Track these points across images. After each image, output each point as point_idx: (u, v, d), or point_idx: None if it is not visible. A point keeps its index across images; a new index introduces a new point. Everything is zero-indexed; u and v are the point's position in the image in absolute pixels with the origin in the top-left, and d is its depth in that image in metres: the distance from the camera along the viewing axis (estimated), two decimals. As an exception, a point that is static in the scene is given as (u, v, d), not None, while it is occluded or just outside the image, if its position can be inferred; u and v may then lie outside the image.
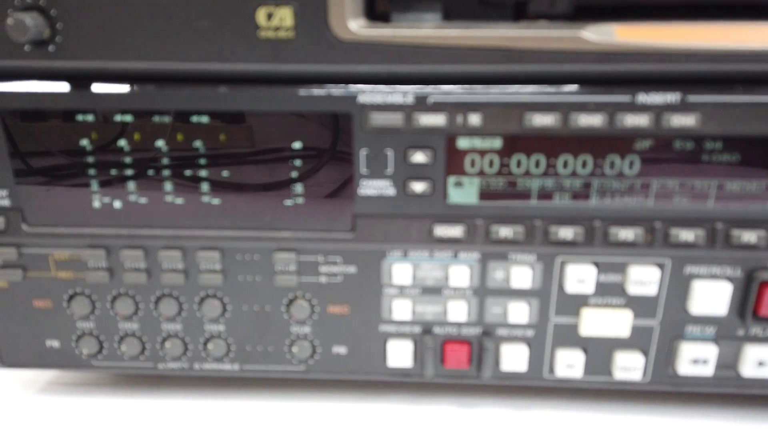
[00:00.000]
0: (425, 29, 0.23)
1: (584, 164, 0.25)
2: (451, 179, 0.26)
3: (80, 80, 0.25)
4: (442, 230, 0.26)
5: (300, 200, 0.26)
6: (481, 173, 0.26)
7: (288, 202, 0.26)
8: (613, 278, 0.26)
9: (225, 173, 0.26)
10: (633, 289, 0.26)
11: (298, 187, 0.26)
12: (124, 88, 0.24)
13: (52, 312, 0.28)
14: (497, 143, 0.25)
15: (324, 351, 0.29)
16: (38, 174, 0.26)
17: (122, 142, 0.26)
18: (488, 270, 0.27)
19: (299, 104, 0.25)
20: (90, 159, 0.26)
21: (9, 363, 0.30)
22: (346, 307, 0.28)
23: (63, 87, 0.24)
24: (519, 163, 0.25)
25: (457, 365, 0.28)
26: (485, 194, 0.26)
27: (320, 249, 0.27)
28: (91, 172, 0.26)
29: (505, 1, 0.25)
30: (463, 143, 0.25)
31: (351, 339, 0.28)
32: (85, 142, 0.26)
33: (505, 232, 0.26)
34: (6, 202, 0.26)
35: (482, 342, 0.28)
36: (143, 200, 0.26)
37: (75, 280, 0.28)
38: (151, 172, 0.26)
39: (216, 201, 0.26)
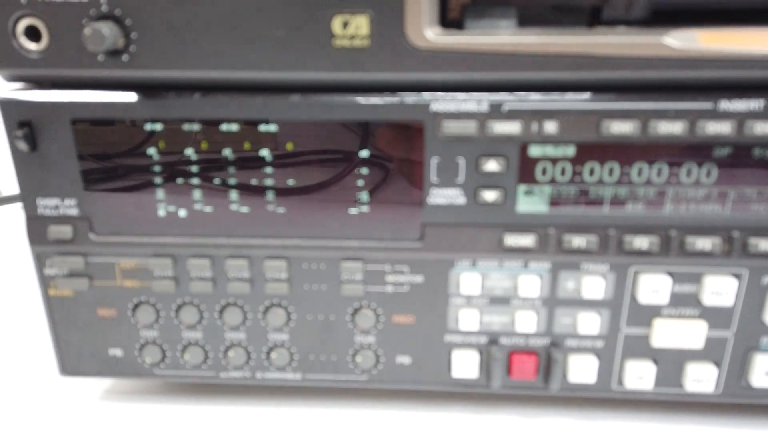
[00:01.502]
0: (502, 36, 0.23)
1: (659, 172, 0.25)
2: (522, 188, 0.25)
3: (151, 89, 0.25)
4: (513, 240, 0.26)
5: (367, 209, 0.26)
6: (553, 181, 0.25)
7: (355, 211, 0.26)
8: (688, 288, 0.26)
9: (291, 181, 0.26)
10: (708, 299, 0.26)
11: (366, 196, 0.26)
12: (195, 98, 0.25)
13: (117, 321, 0.28)
14: (570, 151, 0.25)
15: (387, 361, 0.28)
16: (106, 183, 0.26)
17: (189, 151, 0.26)
18: (559, 280, 0.26)
19: (371, 113, 0.24)
20: (157, 168, 0.26)
21: (70, 371, 0.30)
22: (412, 316, 0.27)
23: (134, 96, 0.25)
24: (592, 171, 0.25)
25: (524, 376, 0.28)
26: (556, 203, 0.25)
27: (387, 258, 0.26)
28: (158, 180, 0.26)
29: (580, 7, 0.25)
30: (534, 151, 0.25)
31: (415, 349, 0.28)
32: (152, 151, 0.26)
33: (578, 241, 0.25)
34: (74, 212, 0.26)
35: (550, 353, 0.27)
36: (209, 209, 0.26)
37: (140, 289, 0.28)
38: (217, 180, 0.26)
39: (282, 210, 0.26)
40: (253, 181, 0.26)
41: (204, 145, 0.26)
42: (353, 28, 0.23)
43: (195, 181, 0.26)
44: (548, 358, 0.27)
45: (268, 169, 0.26)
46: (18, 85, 0.26)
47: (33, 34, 0.24)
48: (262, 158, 0.26)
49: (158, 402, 0.31)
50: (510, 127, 0.24)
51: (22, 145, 0.25)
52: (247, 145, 0.26)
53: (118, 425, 0.29)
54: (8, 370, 0.33)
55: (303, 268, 0.27)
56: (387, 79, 0.24)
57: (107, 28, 0.23)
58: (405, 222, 0.26)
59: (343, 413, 0.30)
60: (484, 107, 0.24)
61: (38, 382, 0.32)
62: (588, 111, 0.24)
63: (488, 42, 0.23)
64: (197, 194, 0.26)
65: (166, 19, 0.23)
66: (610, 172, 0.25)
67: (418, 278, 0.27)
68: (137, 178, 0.26)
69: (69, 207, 0.26)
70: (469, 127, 0.24)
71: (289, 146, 0.26)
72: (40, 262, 0.27)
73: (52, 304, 0.28)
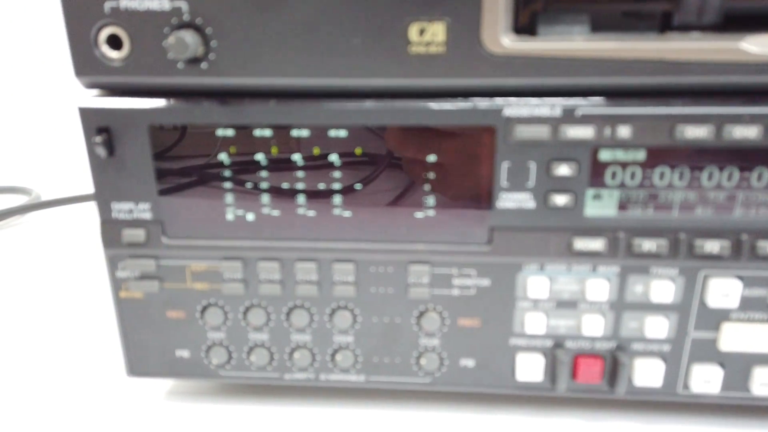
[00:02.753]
0: (577, 42, 0.23)
1: (730, 176, 0.25)
2: (590, 192, 0.25)
3: (228, 96, 0.25)
4: (582, 243, 0.26)
5: (435, 213, 0.26)
6: (622, 185, 0.25)
7: (423, 215, 0.26)
8: (759, 292, 0.26)
9: (358, 186, 0.27)
10: (779, 304, 0.26)
11: (434, 200, 0.26)
12: (270, 104, 0.25)
13: (185, 322, 0.29)
14: (641, 155, 0.25)
15: (451, 363, 0.28)
16: (179, 187, 0.27)
17: (259, 156, 0.26)
18: (627, 284, 0.26)
19: (442, 118, 0.25)
20: (228, 173, 0.27)
21: (136, 372, 0.30)
22: (477, 320, 0.28)
23: (211, 103, 0.25)
24: (662, 175, 0.25)
25: (589, 380, 0.28)
26: (624, 207, 0.26)
27: (454, 262, 0.27)
28: (229, 185, 0.27)
29: (652, 13, 0.25)
30: (604, 155, 0.25)
31: (480, 352, 0.28)
32: (223, 156, 0.26)
33: (648, 245, 0.25)
34: (148, 215, 0.27)
35: (617, 356, 0.27)
36: (278, 212, 0.27)
37: (210, 291, 0.28)
38: (286, 184, 0.27)
39: (350, 213, 0.26)
40: (322, 186, 0.26)
41: (274, 150, 0.26)
42: (430, 35, 0.23)
43: (264, 185, 0.26)
44: (614, 361, 0.27)
45: (337, 174, 0.26)
46: (95, 92, 0.27)
47: (114, 42, 0.25)
48: (331, 163, 0.26)
49: (220, 402, 0.31)
50: (583, 132, 0.24)
51: (100, 151, 0.26)
52: (316, 151, 0.26)
53: (184, 424, 0.30)
54: (75, 370, 0.34)
55: (370, 271, 0.27)
56: (460, 85, 0.24)
57: (190, 37, 0.23)
58: (473, 226, 0.26)
59: (404, 415, 0.30)
60: (557, 112, 0.24)
61: (105, 383, 0.33)
62: (662, 116, 0.24)
63: (563, 48, 0.23)
64: (267, 198, 0.27)
65: (245, 28, 0.24)
66: (681, 176, 0.25)
67: (485, 282, 0.27)
68: (209, 183, 0.27)
69: (143, 211, 0.27)
70: (542, 132, 0.24)
71: (358, 151, 0.26)
72: (112, 264, 0.28)
73: (122, 306, 0.29)
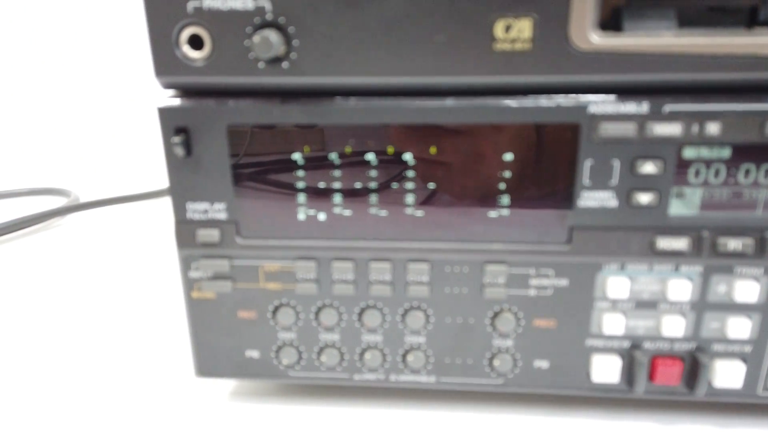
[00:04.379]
0: (665, 38, 0.23)
1: (819, 173, 0.24)
2: (674, 190, 0.25)
3: (308, 96, 0.25)
4: (666, 243, 0.25)
5: (513, 212, 0.26)
6: (705, 183, 0.25)
7: (500, 214, 0.26)
8: None
9: (431, 185, 0.26)
10: None
11: (511, 199, 0.26)
12: (350, 103, 0.25)
13: (256, 323, 0.29)
14: (726, 153, 0.24)
15: (525, 365, 0.28)
16: (254, 187, 0.27)
17: (333, 156, 0.26)
18: (710, 284, 0.26)
19: (525, 116, 0.24)
20: (303, 173, 0.26)
21: (204, 372, 0.30)
22: (553, 320, 0.27)
23: (290, 103, 0.25)
24: (747, 173, 0.25)
25: (667, 381, 0.27)
26: (707, 205, 0.25)
27: (532, 261, 0.26)
28: (305, 185, 0.27)
29: (739, 8, 0.24)
30: (689, 153, 0.25)
31: (554, 353, 0.28)
32: (297, 156, 0.26)
33: (733, 244, 0.25)
34: (223, 216, 0.27)
35: (696, 357, 0.27)
36: (350, 213, 0.26)
37: (282, 291, 0.28)
38: (358, 184, 0.27)
39: (428, 213, 0.26)
40: (408, 185, 0.26)
41: (347, 150, 0.26)
42: (516, 32, 0.23)
43: (338, 185, 0.26)
44: (693, 362, 0.27)
45: (410, 173, 0.26)
46: (172, 92, 0.27)
47: (195, 42, 0.25)
48: (405, 162, 0.26)
49: (283, 403, 0.31)
50: (670, 129, 0.24)
51: (179, 151, 0.26)
52: (390, 150, 0.26)
53: (248, 425, 0.30)
54: (141, 370, 0.34)
55: (445, 271, 0.27)
56: (545, 82, 0.24)
57: (274, 36, 0.23)
58: (552, 225, 0.26)
59: (473, 417, 0.30)
60: (644, 109, 0.24)
61: (170, 383, 0.33)
62: (752, 112, 0.23)
63: (652, 43, 0.23)
64: (340, 198, 0.27)
65: (328, 26, 0.23)
66: (766, 173, 0.25)
67: (563, 282, 0.27)
68: (284, 183, 0.27)
69: (218, 211, 0.27)
70: (628, 129, 0.24)
71: (433, 150, 0.26)
72: (186, 265, 0.28)
73: (193, 306, 0.29)
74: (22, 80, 0.97)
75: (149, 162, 0.90)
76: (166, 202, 0.70)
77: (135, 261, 0.52)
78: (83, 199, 0.67)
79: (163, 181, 0.74)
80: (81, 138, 0.97)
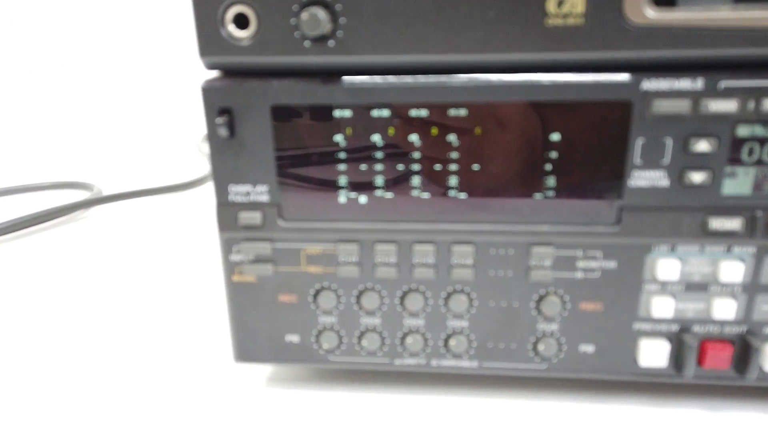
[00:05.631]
0: (724, 11, 0.22)
1: None
2: (728, 169, 0.25)
3: (354, 75, 0.25)
4: (719, 223, 0.25)
5: (561, 193, 0.25)
6: (759, 162, 0.24)
7: (547, 195, 0.26)
8: None
9: (476, 166, 0.26)
10: None
11: (559, 180, 0.25)
12: (397, 81, 0.24)
13: (297, 306, 0.28)
14: (781, 130, 0.24)
15: (570, 349, 0.28)
16: (297, 169, 0.26)
17: (376, 137, 0.26)
18: (764, 265, 0.25)
19: (577, 93, 0.24)
20: (345, 154, 0.26)
21: (243, 357, 0.30)
22: (600, 303, 0.27)
23: (337, 82, 0.25)
24: (803, 151, 0.24)
25: (718, 365, 0.27)
26: (761, 185, 0.25)
27: (580, 243, 0.26)
28: (347, 167, 0.26)
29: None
30: (742, 131, 0.24)
31: (600, 337, 0.27)
32: (339, 138, 0.26)
33: (789, 224, 0.25)
34: (265, 198, 0.27)
35: (748, 341, 0.26)
36: (392, 195, 0.26)
37: (324, 275, 0.28)
38: (401, 166, 0.26)
39: (476, 194, 0.26)
40: (452, 167, 0.26)
41: (391, 131, 0.26)
42: (568, 7, 0.23)
43: (380, 167, 0.26)
44: (744, 346, 0.26)
45: (454, 154, 0.26)
46: (215, 72, 0.26)
47: (241, 21, 0.24)
48: (449, 143, 0.26)
49: (321, 389, 0.31)
50: (726, 105, 0.23)
51: (222, 132, 0.25)
52: (434, 131, 0.26)
53: (286, 410, 0.29)
54: (175, 357, 0.34)
55: (490, 254, 0.27)
56: (599, 58, 0.23)
57: (322, 14, 0.23)
58: (601, 206, 0.25)
59: (516, 404, 0.29)
60: (698, 85, 0.23)
61: (204, 369, 0.33)
62: (812, 87, 0.23)
63: (708, 17, 0.22)
64: (382, 180, 0.26)
65: (376, 3, 0.23)
66: (823, 151, 0.24)
67: (611, 264, 0.26)
68: (328, 165, 0.26)
69: (260, 194, 0.27)
70: (682, 106, 0.23)
71: (478, 130, 0.26)
72: (227, 248, 0.28)
73: (234, 290, 0.28)
74: (44, 76, 0.98)
75: (172, 155, 0.91)
76: (190, 194, 0.71)
77: (163, 251, 0.52)
78: (106, 193, 0.68)
79: (185, 175, 0.75)
80: (103, 131, 0.98)
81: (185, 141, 0.94)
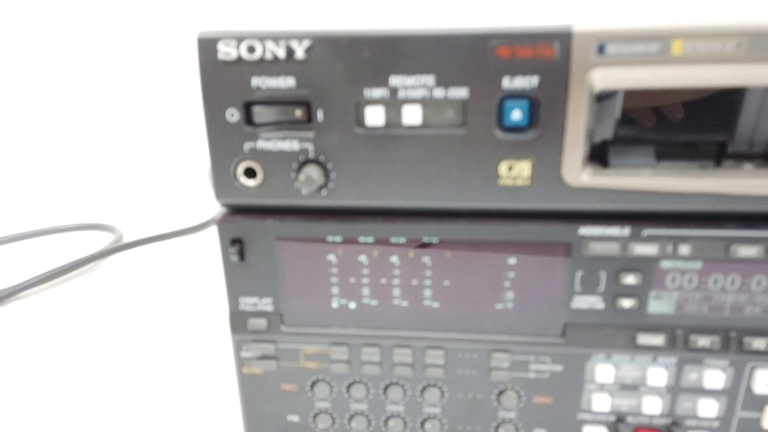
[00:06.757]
0: (645, 178, 0.27)
1: (776, 283, 0.28)
2: (653, 293, 0.29)
3: (342, 215, 0.30)
4: (645, 339, 0.30)
5: (516, 308, 0.30)
6: (680, 288, 0.29)
7: (503, 309, 0.31)
8: (800, 382, 0.30)
9: (446, 282, 0.31)
10: (818, 391, 0.29)
11: (515, 298, 0.30)
12: (378, 221, 0.29)
13: (296, 394, 0.34)
14: (698, 265, 0.29)
15: (525, 432, 0.33)
16: (297, 284, 0.31)
17: (362, 258, 0.31)
18: (683, 372, 0.30)
19: (527, 235, 0.29)
20: (336, 270, 0.31)
21: None
22: (550, 397, 0.32)
23: (329, 220, 0.30)
24: (716, 281, 0.29)
25: (648, 450, 0.32)
26: (682, 307, 0.29)
27: (532, 351, 0.31)
28: (338, 282, 0.31)
29: (709, 143, 0.28)
30: (666, 264, 0.29)
31: (551, 424, 0.32)
32: (332, 257, 0.31)
33: (702, 341, 0.29)
34: (269, 308, 0.32)
35: (673, 430, 0.31)
36: (377, 303, 0.31)
37: (319, 369, 0.33)
38: (383, 280, 0.31)
39: (440, 306, 0.31)
40: (415, 282, 0.31)
41: (375, 253, 0.31)
42: (517, 171, 0.27)
43: (366, 281, 0.31)
44: (670, 435, 0.32)
45: (428, 272, 0.31)
46: (228, 210, 0.31)
47: (250, 173, 0.29)
48: (424, 263, 0.31)
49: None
50: (648, 249, 0.28)
51: (234, 258, 0.30)
52: (411, 254, 0.31)
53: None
54: (188, 420, 0.39)
55: (458, 357, 0.32)
56: (542, 209, 0.28)
57: (316, 173, 0.28)
58: (550, 322, 0.30)
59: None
60: (626, 233, 0.28)
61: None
62: (718, 237, 0.28)
63: (633, 182, 0.27)
64: (367, 291, 0.31)
65: (361, 163, 0.28)
66: (732, 282, 0.29)
67: (558, 367, 0.31)
68: (322, 281, 0.31)
69: (265, 304, 0.32)
70: (613, 249, 0.28)
71: (447, 255, 0.30)
72: (238, 346, 0.33)
73: (244, 380, 0.34)
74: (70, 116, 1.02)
75: (182, 186, 0.96)
76: (203, 236, 0.76)
77: (181, 299, 0.58)
78: (127, 233, 0.73)
79: (200, 216, 0.79)
80: (122, 173, 1.02)
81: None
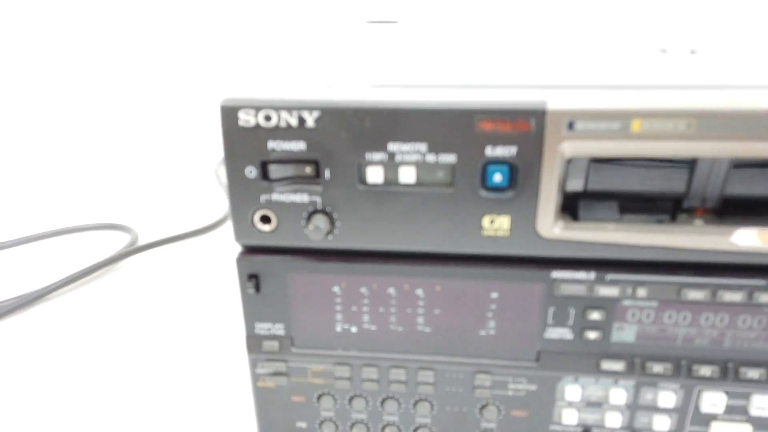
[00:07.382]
0: (607, 231, 0.31)
1: (722, 320, 0.32)
2: (615, 325, 0.33)
3: (348, 256, 0.34)
4: (608, 365, 0.34)
5: (497, 336, 0.35)
6: (639, 322, 0.33)
7: (486, 336, 0.35)
8: (739, 403, 0.34)
9: (437, 311, 0.35)
10: (754, 412, 0.34)
11: (496, 327, 0.34)
12: (377, 262, 0.34)
13: (304, 404, 0.38)
14: (654, 303, 0.33)
15: (504, 440, 0.38)
16: (306, 313, 0.36)
17: (363, 289, 0.35)
18: (640, 393, 0.35)
19: (505, 277, 0.33)
20: (339, 300, 0.35)
21: (265, 435, 0.40)
22: (526, 411, 0.36)
23: (336, 261, 0.34)
24: (670, 317, 0.33)
25: (609, 457, 0.36)
26: (640, 338, 0.34)
27: (510, 372, 0.35)
28: (343, 309, 0.35)
29: (667, 198, 0.32)
30: (626, 302, 0.33)
31: (526, 433, 0.37)
32: (336, 289, 0.35)
33: (657, 368, 0.34)
34: (281, 332, 0.36)
35: (630, 442, 0.36)
36: (376, 328, 0.36)
37: (324, 385, 0.38)
38: (382, 309, 0.35)
39: (431, 331, 0.35)
40: (409, 310, 0.35)
41: (374, 285, 0.35)
42: (498, 224, 0.31)
43: (366, 308, 0.35)
44: (629, 445, 0.36)
45: (421, 302, 0.35)
46: (246, 249, 0.35)
47: (265, 219, 0.33)
48: (418, 295, 0.35)
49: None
50: (611, 291, 0.32)
51: (251, 291, 0.35)
52: (406, 287, 0.35)
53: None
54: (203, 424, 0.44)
55: (446, 376, 0.36)
56: (519, 256, 0.32)
57: (323, 222, 0.32)
58: (526, 348, 0.35)
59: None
60: (591, 277, 0.32)
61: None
62: (671, 282, 0.32)
63: (597, 236, 0.31)
64: (367, 318, 0.35)
65: (363, 214, 0.32)
66: (684, 318, 0.33)
67: (533, 387, 0.36)
68: (327, 309, 0.36)
69: (278, 329, 0.36)
70: (580, 290, 0.32)
71: (437, 288, 0.34)
72: (253, 364, 0.37)
73: (258, 392, 0.38)
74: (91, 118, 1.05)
75: (190, 182, 0.99)
76: (216, 236, 0.80)
77: (198, 302, 0.62)
78: (142, 234, 0.77)
79: (214, 215, 0.82)
80: (130, 172, 1.05)
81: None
